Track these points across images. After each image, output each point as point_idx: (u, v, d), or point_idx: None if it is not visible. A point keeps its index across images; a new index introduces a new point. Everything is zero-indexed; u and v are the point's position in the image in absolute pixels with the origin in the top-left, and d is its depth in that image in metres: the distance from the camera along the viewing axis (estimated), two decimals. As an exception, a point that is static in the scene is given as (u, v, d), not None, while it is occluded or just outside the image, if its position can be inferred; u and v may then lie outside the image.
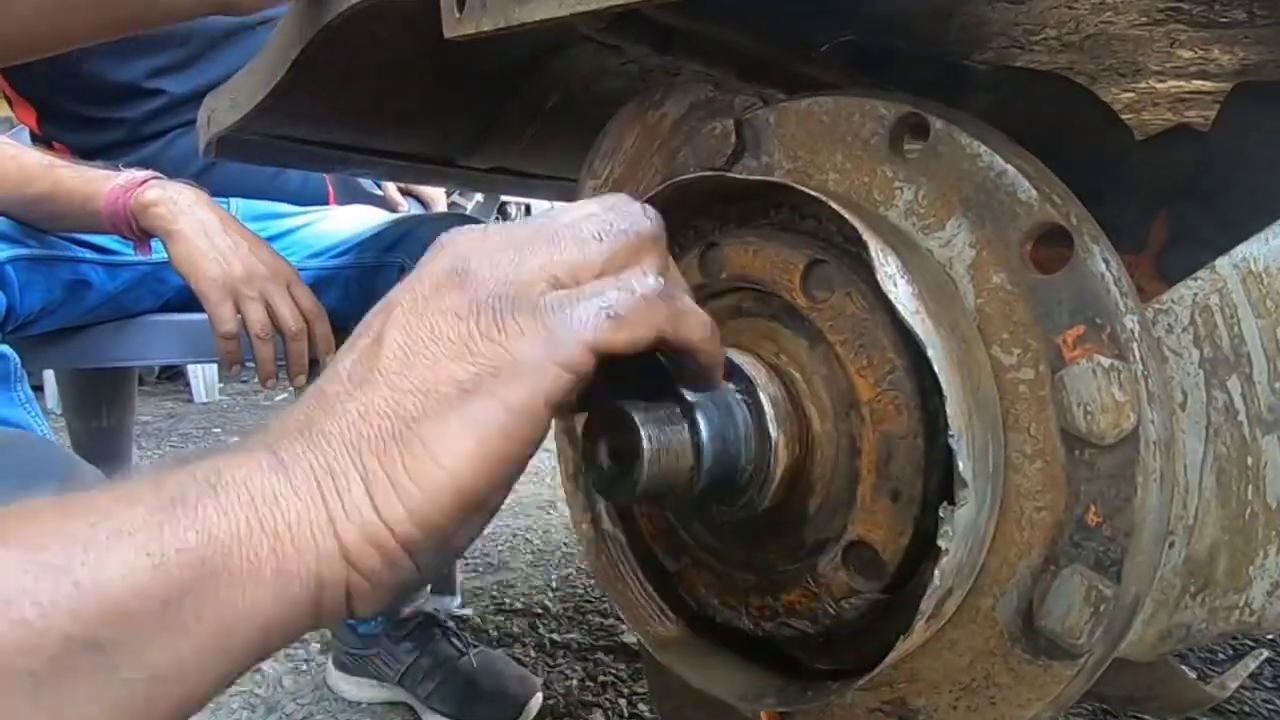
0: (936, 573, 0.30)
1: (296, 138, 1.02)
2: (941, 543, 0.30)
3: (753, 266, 0.41)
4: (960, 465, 0.29)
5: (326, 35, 0.69)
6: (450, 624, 1.27)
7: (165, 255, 1.01)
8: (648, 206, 0.30)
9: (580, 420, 0.41)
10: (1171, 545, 0.31)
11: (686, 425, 0.36)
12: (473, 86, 0.97)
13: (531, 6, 0.49)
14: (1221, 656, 1.36)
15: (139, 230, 0.97)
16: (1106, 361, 0.30)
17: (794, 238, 0.39)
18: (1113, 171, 0.65)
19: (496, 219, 4.56)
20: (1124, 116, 1.16)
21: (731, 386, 0.38)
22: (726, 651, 0.43)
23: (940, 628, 0.35)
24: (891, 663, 0.33)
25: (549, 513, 2.10)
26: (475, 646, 1.26)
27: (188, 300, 1.26)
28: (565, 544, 1.87)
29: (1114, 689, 0.63)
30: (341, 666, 1.28)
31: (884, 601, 0.36)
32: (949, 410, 0.30)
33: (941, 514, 0.30)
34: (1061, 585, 0.31)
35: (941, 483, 0.33)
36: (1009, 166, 0.33)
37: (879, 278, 0.31)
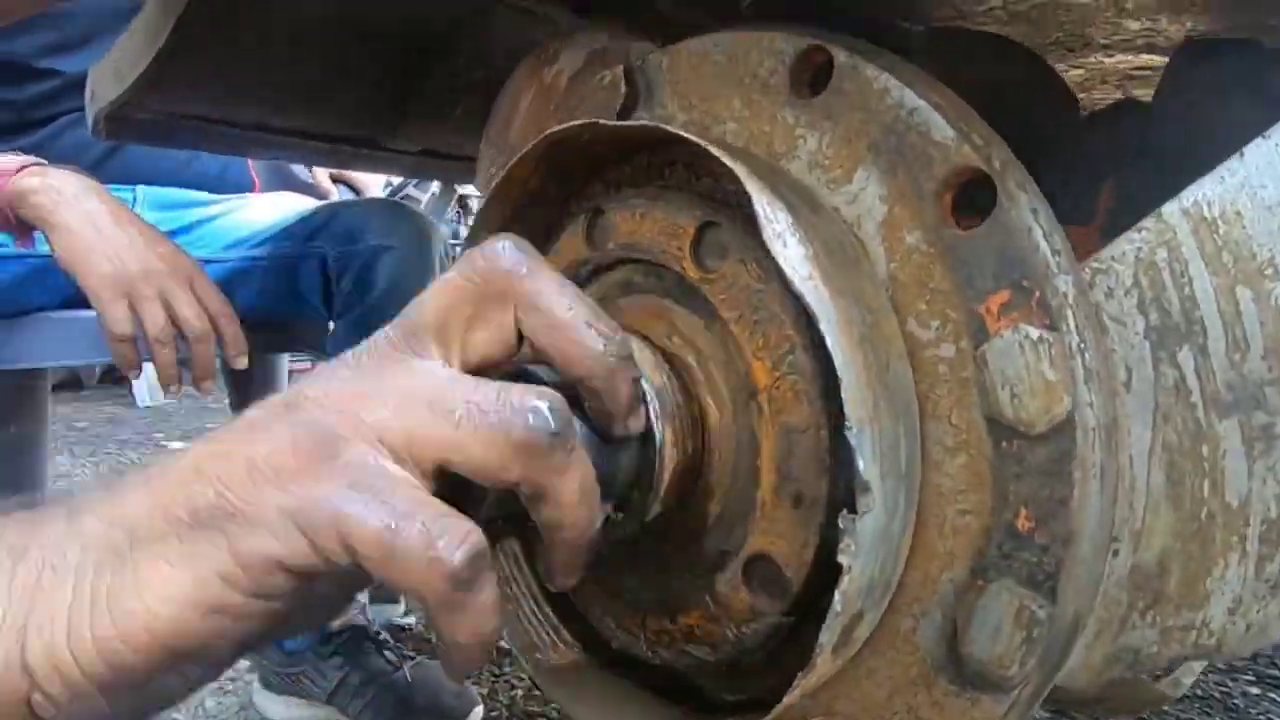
0: (838, 596, 0.24)
1: (197, 115, 0.94)
2: (843, 559, 0.24)
3: (640, 233, 0.35)
4: (862, 465, 0.24)
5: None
6: (384, 636, 1.20)
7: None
8: (554, 405, 0.23)
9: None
10: (1116, 554, 0.26)
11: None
12: (385, 55, 0.89)
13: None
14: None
15: (18, 221, 0.88)
16: (1035, 333, 0.24)
17: (686, 199, 0.33)
18: (1058, 140, 0.60)
19: (456, 212, 4.44)
20: (1073, 94, 1.13)
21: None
22: (626, 683, 0.38)
23: (856, 654, 0.30)
24: (793, 701, 0.27)
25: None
26: (412, 658, 1.19)
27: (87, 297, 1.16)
28: (517, 545, 1.80)
29: (1063, 694, 0.58)
30: (268, 685, 1.20)
31: (790, 625, 0.30)
32: (847, 397, 0.24)
33: (841, 524, 0.25)
34: (988, 605, 0.25)
35: (849, 484, 0.27)
36: (921, 102, 0.27)
37: (765, 237, 0.25)
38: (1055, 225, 0.26)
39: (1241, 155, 0.24)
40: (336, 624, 1.16)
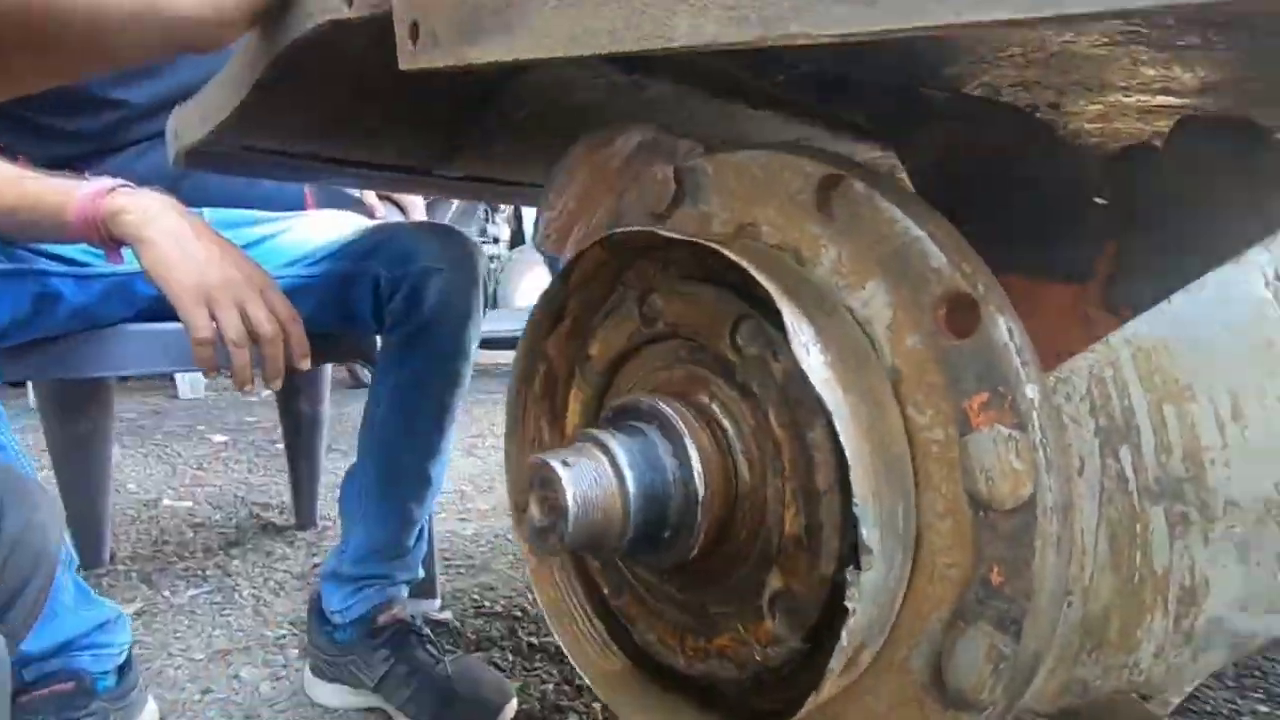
0: (844, 634, 0.31)
1: (268, 150, 1.02)
2: (849, 604, 0.31)
3: (686, 316, 0.42)
4: (865, 533, 0.30)
5: (291, 52, 0.69)
6: (426, 631, 1.29)
7: (137, 264, 1.02)
8: None
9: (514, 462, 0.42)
10: (1070, 605, 0.32)
11: (614, 481, 0.37)
12: (444, 102, 0.97)
13: (480, 49, 0.49)
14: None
15: (109, 238, 0.97)
16: (1006, 431, 0.31)
17: (724, 292, 0.40)
18: (1061, 200, 0.66)
19: (485, 211, 4.55)
20: (1094, 126, 1.17)
21: (660, 438, 0.39)
22: (665, 690, 0.45)
23: (859, 676, 0.36)
24: (805, 715, 0.34)
25: (530, 514, 2.10)
26: (452, 652, 1.27)
27: (161, 309, 1.26)
28: (546, 546, 1.87)
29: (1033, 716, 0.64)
30: (318, 673, 1.29)
31: (807, 650, 0.37)
32: (854, 478, 0.31)
33: (849, 577, 0.31)
34: (966, 642, 0.32)
35: (857, 538, 0.34)
36: (922, 233, 0.34)
37: (793, 346, 0.32)
38: (1026, 341, 0.32)
39: (1170, 301, 0.30)
40: (384, 618, 1.24)
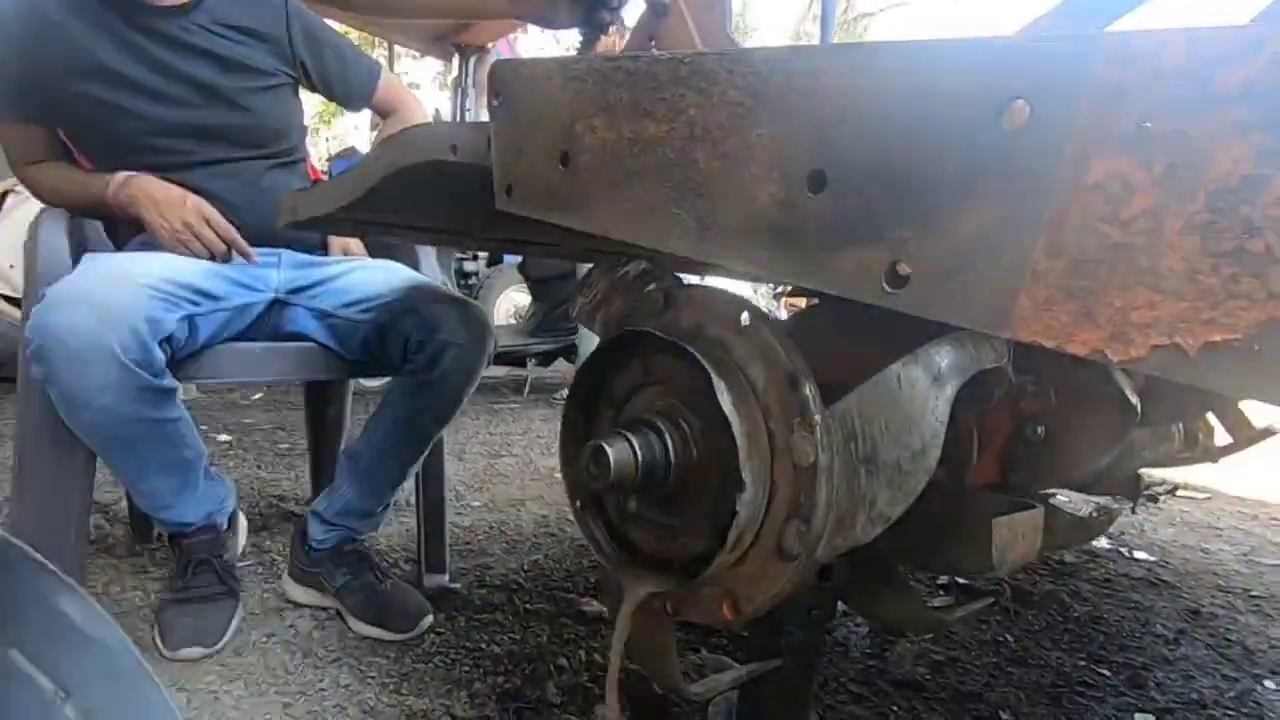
0: (734, 525, 0.71)
1: (349, 218, 1.40)
2: (738, 509, 0.71)
3: (665, 374, 0.82)
4: (745, 473, 0.70)
5: (397, 173, 1.07)
6: (374, 558, 1.72)
7: (242, 303, 1.48)
8: None
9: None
10: (830, 510, 0.73)
11: (631, 452, 0.77)
12: (483, 193, 1.36)
13: (559, 216, 0.89)
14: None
15: (126, 210, 1.52)
16: (806, 434, 0.71)
17: (685, 360, 0.80)
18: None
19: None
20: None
21: (652, 433, 0.79)
22: (645, 567, 0.84)
23: (744, 554, 0.76)
24: (715, 571, 0.74)
25: (519, 509, 2.47)
26: (389, 579, 1.67)
27: (248, 333, 1.63)
28: (533, 536, 2.24)
29: (882, 612, 1.06)
30: (295, 577, 1.73)
31: (718, 543, 0.77)
32: (740, 454, 0.71)
33: (737, 496, 0.71)
34: (789, 527, 0.72)
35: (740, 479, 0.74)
36: (779, 347, 0.75)
37: (716, 392, 0.72)
38: (817, 394, 0.73)
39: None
40: (347, 549, 1.66)
